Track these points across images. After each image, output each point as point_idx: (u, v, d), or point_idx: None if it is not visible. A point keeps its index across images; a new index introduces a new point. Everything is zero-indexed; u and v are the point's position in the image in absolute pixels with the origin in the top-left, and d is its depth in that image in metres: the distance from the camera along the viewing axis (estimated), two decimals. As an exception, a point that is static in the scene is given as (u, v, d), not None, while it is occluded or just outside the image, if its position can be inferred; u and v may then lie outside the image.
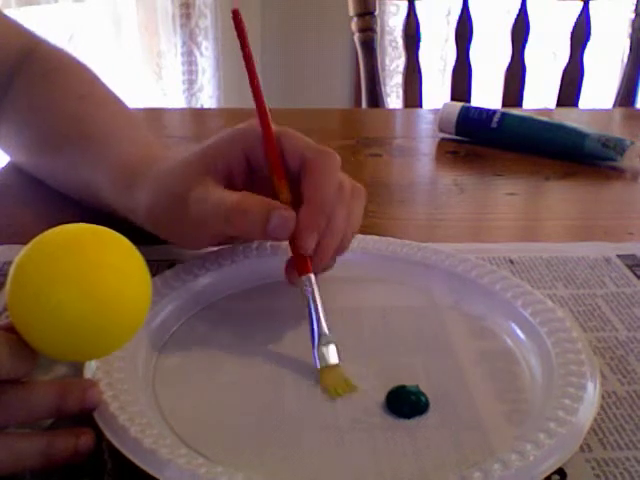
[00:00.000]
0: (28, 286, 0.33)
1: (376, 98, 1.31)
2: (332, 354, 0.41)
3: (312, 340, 0.41)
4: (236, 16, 0.45)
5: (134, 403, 0.36)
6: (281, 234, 0.43)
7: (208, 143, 0.47)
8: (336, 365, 0.41)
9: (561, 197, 0.71)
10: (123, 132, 0.58)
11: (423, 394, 0.39)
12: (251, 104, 0.50)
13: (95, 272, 0.33)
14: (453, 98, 1.32)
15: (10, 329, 0.34)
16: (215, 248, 0.50)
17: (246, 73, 0.46)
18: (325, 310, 0.42)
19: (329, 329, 0.42)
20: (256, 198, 0.44)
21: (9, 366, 0.33)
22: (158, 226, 0.49)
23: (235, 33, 0.45)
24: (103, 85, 0.63)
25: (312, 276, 0.43)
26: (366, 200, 0.48)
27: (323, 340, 0.41)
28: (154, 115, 0.94)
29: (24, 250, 0.34)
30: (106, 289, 0.33)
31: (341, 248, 0.46)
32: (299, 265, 0.43)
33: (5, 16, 0.66)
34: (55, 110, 0.60)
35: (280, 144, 0.46)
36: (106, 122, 0.58)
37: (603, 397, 0.40)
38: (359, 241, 0.52)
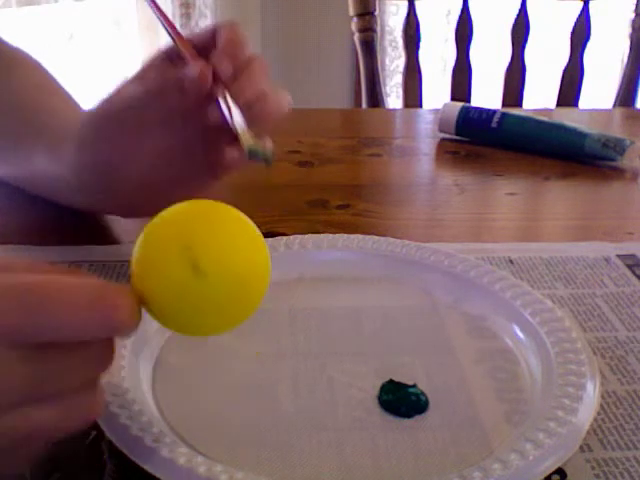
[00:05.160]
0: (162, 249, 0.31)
1: (376, 98, 1.31)
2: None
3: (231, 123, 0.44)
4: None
5: (134, 402, 0.36)
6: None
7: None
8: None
9: (561, 197, 0.71)
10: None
11: (422, 393, 0.39)
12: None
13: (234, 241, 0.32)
14: (453, 98, 1.32)
15: None
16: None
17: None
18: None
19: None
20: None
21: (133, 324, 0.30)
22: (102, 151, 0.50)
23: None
24: (52, 75, 0.63)
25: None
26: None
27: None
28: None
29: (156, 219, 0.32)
30: (246, 261, 0.32)
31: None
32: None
33: None
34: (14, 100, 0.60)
35: (196, 33, 0.51)
36: (62, 111, 0.59)
37: (603, 397, 0.40)
38: (358, 241, 0.52)
